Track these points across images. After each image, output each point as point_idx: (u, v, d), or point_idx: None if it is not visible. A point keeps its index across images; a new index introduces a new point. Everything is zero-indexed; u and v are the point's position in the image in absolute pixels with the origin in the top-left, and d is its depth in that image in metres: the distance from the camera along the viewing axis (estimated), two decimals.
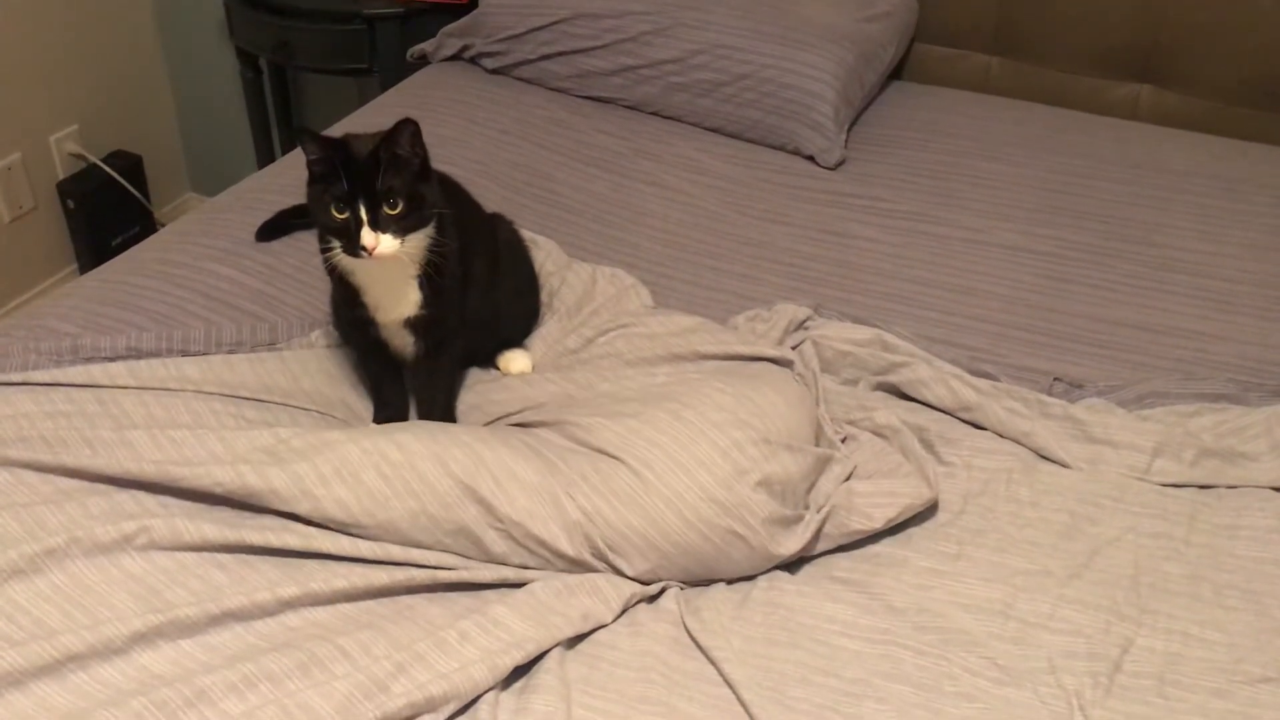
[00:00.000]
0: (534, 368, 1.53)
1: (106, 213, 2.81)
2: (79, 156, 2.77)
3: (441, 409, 1.42)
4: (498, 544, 1.22)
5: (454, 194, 1.44)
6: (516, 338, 1.56)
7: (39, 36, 2.61)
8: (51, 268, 2.81)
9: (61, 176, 2.76)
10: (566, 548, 1.22)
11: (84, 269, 2.78)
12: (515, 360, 1.52)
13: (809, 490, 1.32)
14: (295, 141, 2.43)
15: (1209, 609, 1.23)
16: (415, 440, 1.24)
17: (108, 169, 2.78)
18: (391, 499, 1.21)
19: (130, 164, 2.86)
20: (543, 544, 1.21)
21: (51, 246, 2.79)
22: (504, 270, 1.52)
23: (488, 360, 1.53)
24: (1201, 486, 1.40)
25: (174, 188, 3.10)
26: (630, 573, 1.23)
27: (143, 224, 2.88)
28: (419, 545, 1.22)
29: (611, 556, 1.22)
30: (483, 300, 1.45)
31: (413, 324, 1.36)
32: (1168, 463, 1.40)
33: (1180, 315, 1.66)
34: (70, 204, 2.76)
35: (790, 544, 1.24)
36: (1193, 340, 1.62)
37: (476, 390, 1.48)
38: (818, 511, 1.27)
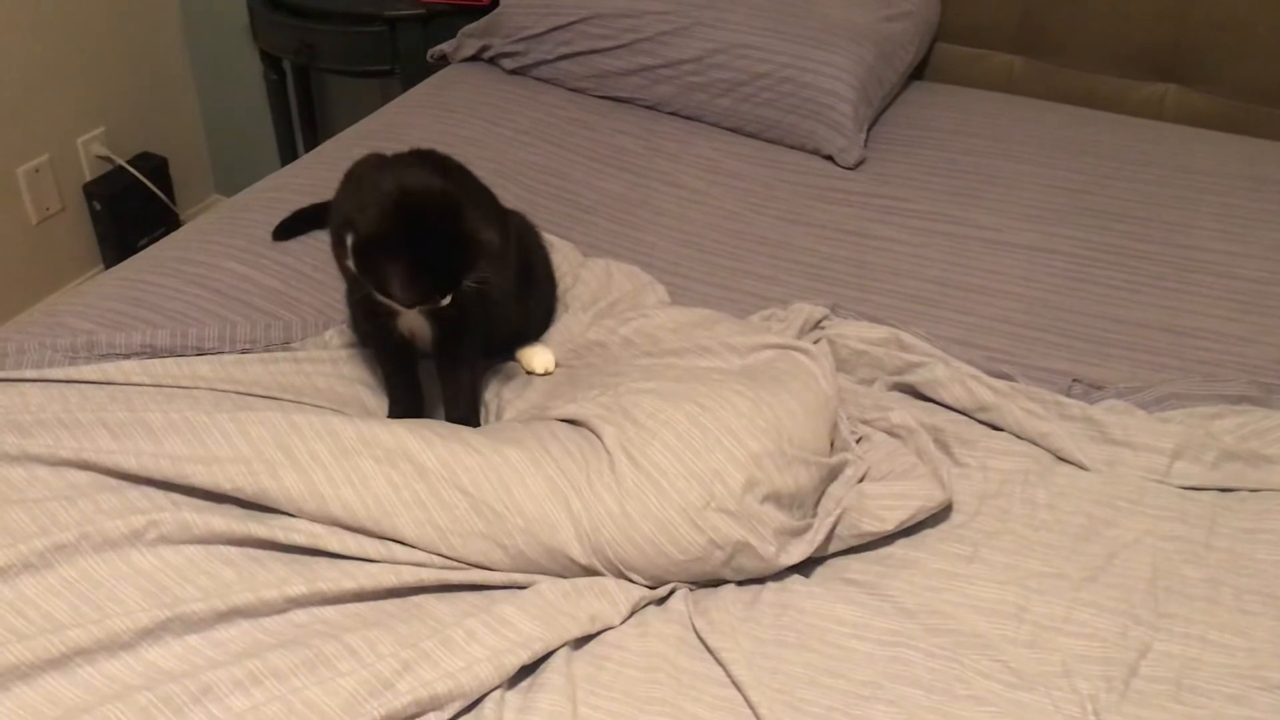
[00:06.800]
0: (555, 362, 1.52)
1: (132, 214, 2.84)
2: (105, 159, 2.80)
3: (465, 406, 1.42)
4: (508, 553, 1.21)
5: (473, 188, 1.44)
6: (533, 333, 1.55)
7: (66, 40, 2.64)
8: (78, 269, 2.84)
9: (88, 178, 2.79)
10: (578, 555, 1.21)
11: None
12: (537, 356, 1.51)
13: (818, 501, 1.31)
14: (318, 143, 2.44)
15: (1228, 614, 1.21)
16: (427, 449, 1.24)
17: (134, 171, 2.81)
18: (399, 507, 1.21)
19: (156, 166, 2.89)
20: (554, 552, 1.21)
21: (78, 248, 2.82)
22: (520, 263, 1.51)
23: (506, 355, 1.53)
24: (1222, 490, 1.37)
25: (199, 189, 3.13)
26: (639, 579, 1.22)
27: (168, 226, 2.90)
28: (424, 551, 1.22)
29: (620, 565, 1.21)
30: (501, 292, 1.44)
31: (437, 314, 1.35)
32: (1188, 465, 1.38)
33: (1204, 316, 1.63)
34: (97, 206, 2.78)
35: (797, 552, 1.23)
36: (1216, 342, 1.59)
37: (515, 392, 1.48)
38: (828, 516, 1.26)
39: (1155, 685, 1.13)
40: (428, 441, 1.24)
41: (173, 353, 1.44)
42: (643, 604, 1.21)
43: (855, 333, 1.55)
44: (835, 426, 1.39)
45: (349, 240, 1.24)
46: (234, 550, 1.19)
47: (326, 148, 1.99)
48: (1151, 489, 1.36)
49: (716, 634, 1.16)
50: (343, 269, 1.34)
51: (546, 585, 1.19)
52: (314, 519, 1.21)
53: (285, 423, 1.25)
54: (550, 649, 1.13)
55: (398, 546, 1.20)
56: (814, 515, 1.29)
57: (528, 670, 1.12)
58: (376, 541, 1.20)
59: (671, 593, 1.23)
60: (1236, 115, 2.10)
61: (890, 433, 1.41)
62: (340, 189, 1.37)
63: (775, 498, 1.24)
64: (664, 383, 1.35)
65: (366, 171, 1.34)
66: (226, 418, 1.26)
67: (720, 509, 1.21)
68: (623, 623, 1.18)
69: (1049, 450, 1.41)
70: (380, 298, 1.25)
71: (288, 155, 2.80)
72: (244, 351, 1.47)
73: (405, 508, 1.20)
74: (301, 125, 2.88)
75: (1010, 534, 1.29)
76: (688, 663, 1.14)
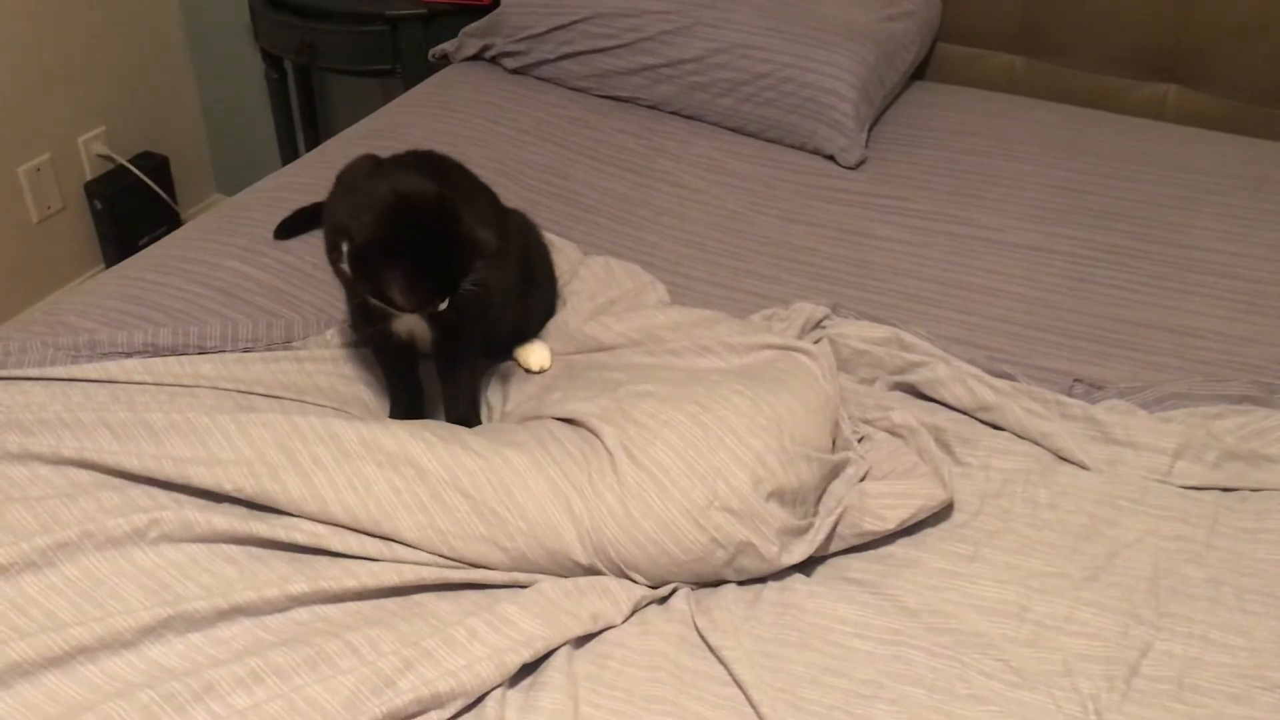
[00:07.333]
0: (552, 359, 1.52)
1: (133, 213, 2.84)
2: (106, 158, 2.80)
3: (465, 405, 1.42)
4: (509, 555, 1.21)
5: (472, 188, 1.44)
6: (532, 330, 1.55)
7: (67, 39, 2.64)
8: (79, 268, 2.84)
9: (89, 177, 2.79)
10: (580, 556, 1.21)
11: None
12: (534, 353, 1.51)
13: (820, 499, 1.31)
14: (319, 142, 2.45)
15: (1229, 613, 1.21)
16: (428, 452, 1.24)
17: (135, 170, 2.81)
18: (400, 510, 1.21)
19: (157, 165, 2.89)
20: (555, 554, 1.21)
21: (79, 247, 2.82)
22: (520, 261, 1.51)
23: (505, 354, 1.53)
24: (1224, 489, 1.37)
25: (200, 189, 3.13)
26: (640, 580, 1.22)
27: (169, 225, 2.90)
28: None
29: (622, 565, 1.21)
30: (501, 292, 1.44)
31: (436, 316, 1.35)
32: (1189, 465, 1.38)
33: (1205, 316, 1.64)
34: (98, 205, 2.78)
35: (798, 552, 1.23)
36: (1217, 341, 1.59)
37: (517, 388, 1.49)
38: (829, 515, 1.26)
39: (1157, 685, 1.13)
40: (429, 444, 1.25)
41: (174, 351, 1.44)
42: (644, 603, 1.21)
43: (856, 332, 1.55)
44: (837, 425, 1.39)
45: (345, 248, 1.24)
46: (236, 548, 1.19)
47: (328, 147, 1.99)
48: (1153, 489, 1.36)
49: (718, 633, 1.16)
50: (338, 273, 1.33)
51: (548, 584, 1.20)
52: (316, 521, 1.21)
53: (287, 425, 1.25)
54: (552, 647, 1.13)
55: (400, 545, 1.20)
56: (815, 514, 1.29)
57: (529, 669, 1.12)
58: (378, 541, 1.20)
59: (673, 592, 1.23)
60: (1237, 115, 2.10)
61: (892, 432, 1.41)
62: (333, 192, 1.37)
63: (779, 494, 1.24)
64: (663, 385, 1.35)
65: (360, 175, 1.33)
66: (228, 419, 1.26)
67: (724, 508, 1.21)
68: (624, 621, 1.18)
69: (1050, 450, 1.41)
70: (378, 303, 1.25)
71: (289, 154, 2.80)
72: (246, 350, 1.47)
73: (406, 511, 1.20)
74: (302, 124, 2.88)
75: (1012, 533, 1.29)
76: (689, 661, 1.14)
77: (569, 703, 1.07)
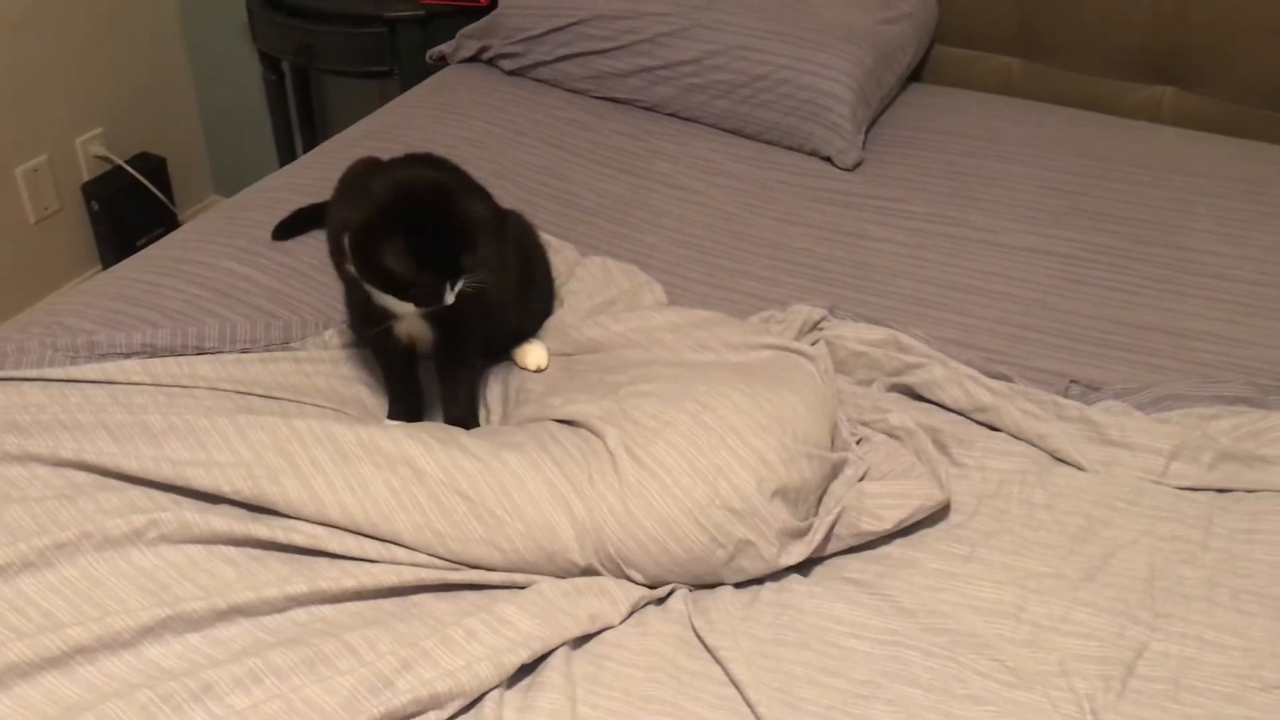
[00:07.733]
0: (549, 359, 1.52)
1: (131, 214, 2.84)
2: (104, 159, 2.80)
3: (464, 407, 1.42)
4: (506, 557, 1.21)
5: (470, 188, 1.44)
6: (530, 329, 1.56)
7: (64, 40, 2.64)
8: (76, 269, 2.84)
9: (86, 178, 2.79)
10: (578, 557, 1.21)
11: None
12: (532, 353, 1.52)
13: (820, 498, 1.31)
14: (317, 143, 2.45)
15: (1225, 614, 1.22)
16: (426, 454, 1.24)
17: (132, 171, 2.81)
18: (397, 511, 1.21)
19: (154, 166, 2.89)
20: (553, 555, 1.21)
21: (76, 248, 2.82)
22: (518, 262, 1.52)
23: (503, 353, 1.53)
24: (1219, 490, 1.38)
25: (198, 190, 3.13)
26: (639, 579, 1.23)
27: (167, 226, 2.90)
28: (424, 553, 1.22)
29: (621, 563, 1.22)
30: (500, 292, 1.45)
31: (437, 317, 1.36)
32: (1185, 466, 1.38)
33: (1201, 318, 1.64)
34: (95, 206, 2.78)
35: (796, 552, 1.24)
36: (1213, 343, 1.60)
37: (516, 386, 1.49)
38: (827, 515, 1.26)
39: (1152, 685, 1.14)
40: (427, 446, 1.25)
41: (173, 352, 1.45)
42: (642, 603, 1.21)
43: (853, 334, 1.55)
44: (835, 426, 1.39)
45: (346, 240, 1.24)
46: (234, 549, 1.20)
47: (326, 148, 2.00)
48: (1149, 489, 1.36)
49: (716, 633, 1.16)
50: (342, 274, 1.34)
51: (546, 584, 1.20)
52: (314, 523, 1.21)
53: (286, 428, 1.25)
54: (550, 648, 1.13)
55: (398, 547, 1.21)
56: (816, 514, 1.29)
57: (527, 669, 1.12)
58: (377, 542, 1.20)
59: (671, 592, 1.23)
60: (1233, 118, 2.11)
61: (889, 434, 1.42)
62: (335, 194, 1.38)
63: (783, 493, 1.24)
64: (663, 384, 1.36)
65: (360, 176, 1.35)
66: (227, 421, 1.26)
67: (725, 506, 1.21)
68: (622, 622, 1.19)
69: (1047, 451, 1.41)
70: (382, 299, 1.26)
71: (286, 156, 2.80)
72: (244, 351, 1.47)
73: (404, 512, 1.21)
74: (300, 126, 2.88)
75: (1008, 534, 1.30)
76: (687, 662, 1.14)
77: (567, 703, 1.08)
